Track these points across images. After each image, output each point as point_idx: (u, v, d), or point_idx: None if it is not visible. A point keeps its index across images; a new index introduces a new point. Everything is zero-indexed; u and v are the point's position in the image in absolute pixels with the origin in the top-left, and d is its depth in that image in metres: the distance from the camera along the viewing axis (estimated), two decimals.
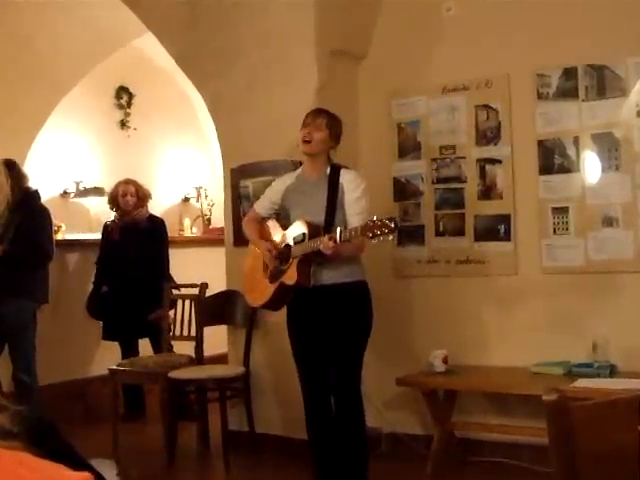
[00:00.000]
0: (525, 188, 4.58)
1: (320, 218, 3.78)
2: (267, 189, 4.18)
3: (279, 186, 4.07)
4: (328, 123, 3.89)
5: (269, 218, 4.11)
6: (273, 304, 4.02)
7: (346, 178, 3.84)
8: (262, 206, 4.14)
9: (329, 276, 3.78)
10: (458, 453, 4.59)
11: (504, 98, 4.62)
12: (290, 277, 3.79)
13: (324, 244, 3.56)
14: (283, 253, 3.88)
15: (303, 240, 3.75)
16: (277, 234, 4.00)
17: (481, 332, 4.69)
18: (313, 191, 3.88)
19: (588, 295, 4.39)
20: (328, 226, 3.73)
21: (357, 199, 3.79)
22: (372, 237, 3.37)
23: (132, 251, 5.96)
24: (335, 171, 3.87)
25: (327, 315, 3.82)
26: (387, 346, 4.83)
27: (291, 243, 3.84)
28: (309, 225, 3.76)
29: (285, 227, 3.96)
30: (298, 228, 3.82)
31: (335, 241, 3.52)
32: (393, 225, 3.33)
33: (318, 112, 3.95)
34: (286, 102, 4.82)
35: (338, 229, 3.53)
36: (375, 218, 3.37)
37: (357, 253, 3.83)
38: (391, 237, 3.38)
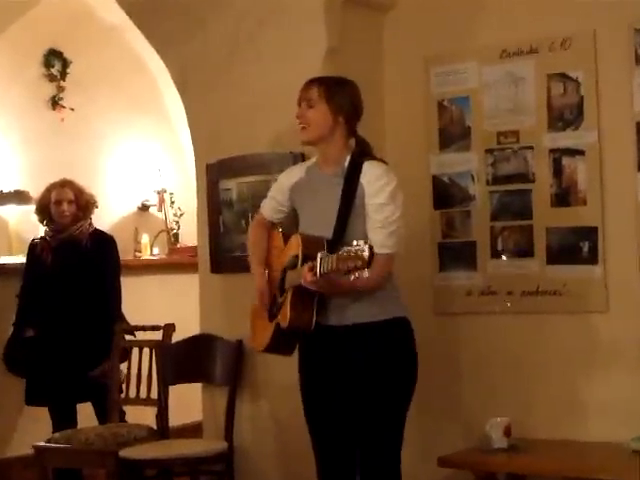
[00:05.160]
0: (618, 189, 4.59)
1: (330, 231, 3.77)
2: (273, 185, 4.20)
3: (285, 182, 4.09)
4: (323, 93, 3.86)
5: (280, 223, 4.12)
6: (275, 350, 4.00)
7: (367, 176, 3.80)
8: (268, 207, 4.17)
9: (350, 313, 3.77)
10: None
11: (588, 64, 4.64)
12: (284, 316, 3.78)
13: (303, 276, 3.58)
14: (281, 280, 3.89)
15: (295, 266, 3.74)
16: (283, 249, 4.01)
17: (557, 393, 4.70)
18: (325, 191, 3.87)
19: None
20: (335, 243, 3.68)
21: (379, 207, 3.76)
22: (346, 272, 3.34)
23: (69, 280, 5.97)
24: (355, 164, 3.84)
25: (349, 369, 3.80)
26: (425, 411, 4.81)
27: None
28: (305, 243, 3.74)
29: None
30: (293, 247, 3.82)
31: (315, 273, 3.51)
32: (367, 253, 3.25)
33: (307, 83, 3.94)
34: (283, 73, 4.83)
35: (319, 257, 3.50)
36: (355, 244, 3.30)
37: (364, 289, 3.69)
38: (366, 274, 3.31)
